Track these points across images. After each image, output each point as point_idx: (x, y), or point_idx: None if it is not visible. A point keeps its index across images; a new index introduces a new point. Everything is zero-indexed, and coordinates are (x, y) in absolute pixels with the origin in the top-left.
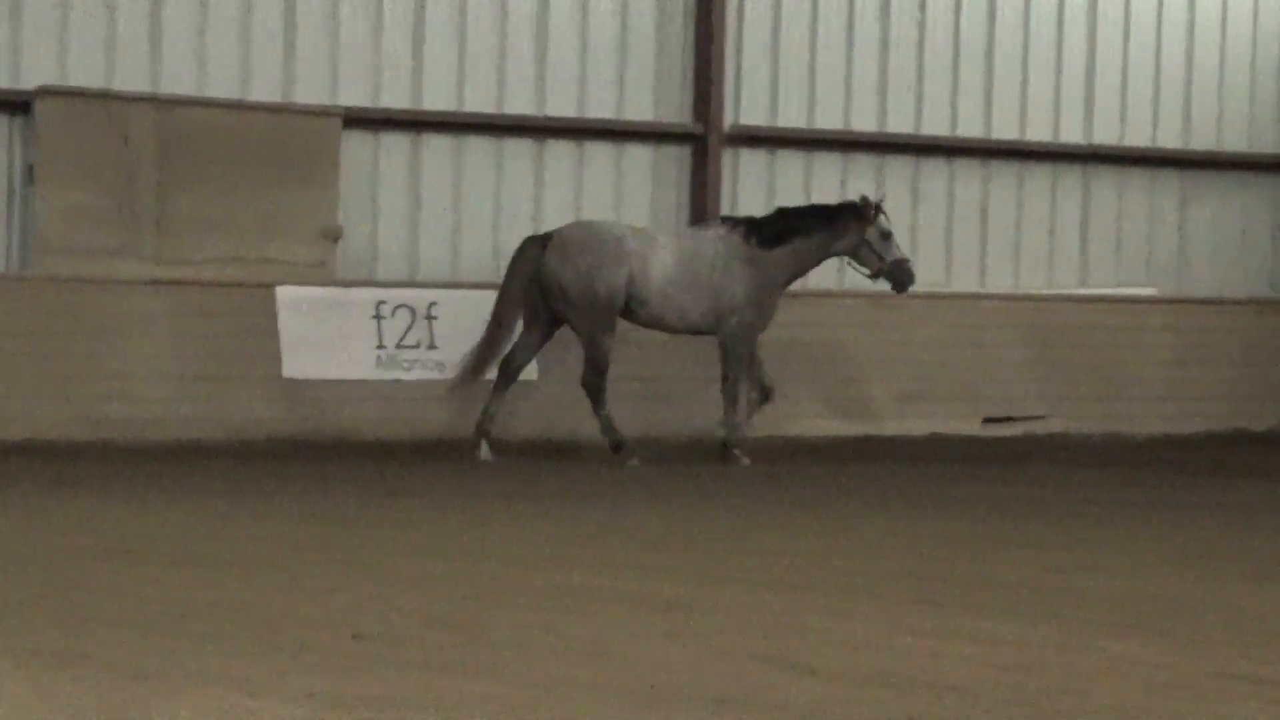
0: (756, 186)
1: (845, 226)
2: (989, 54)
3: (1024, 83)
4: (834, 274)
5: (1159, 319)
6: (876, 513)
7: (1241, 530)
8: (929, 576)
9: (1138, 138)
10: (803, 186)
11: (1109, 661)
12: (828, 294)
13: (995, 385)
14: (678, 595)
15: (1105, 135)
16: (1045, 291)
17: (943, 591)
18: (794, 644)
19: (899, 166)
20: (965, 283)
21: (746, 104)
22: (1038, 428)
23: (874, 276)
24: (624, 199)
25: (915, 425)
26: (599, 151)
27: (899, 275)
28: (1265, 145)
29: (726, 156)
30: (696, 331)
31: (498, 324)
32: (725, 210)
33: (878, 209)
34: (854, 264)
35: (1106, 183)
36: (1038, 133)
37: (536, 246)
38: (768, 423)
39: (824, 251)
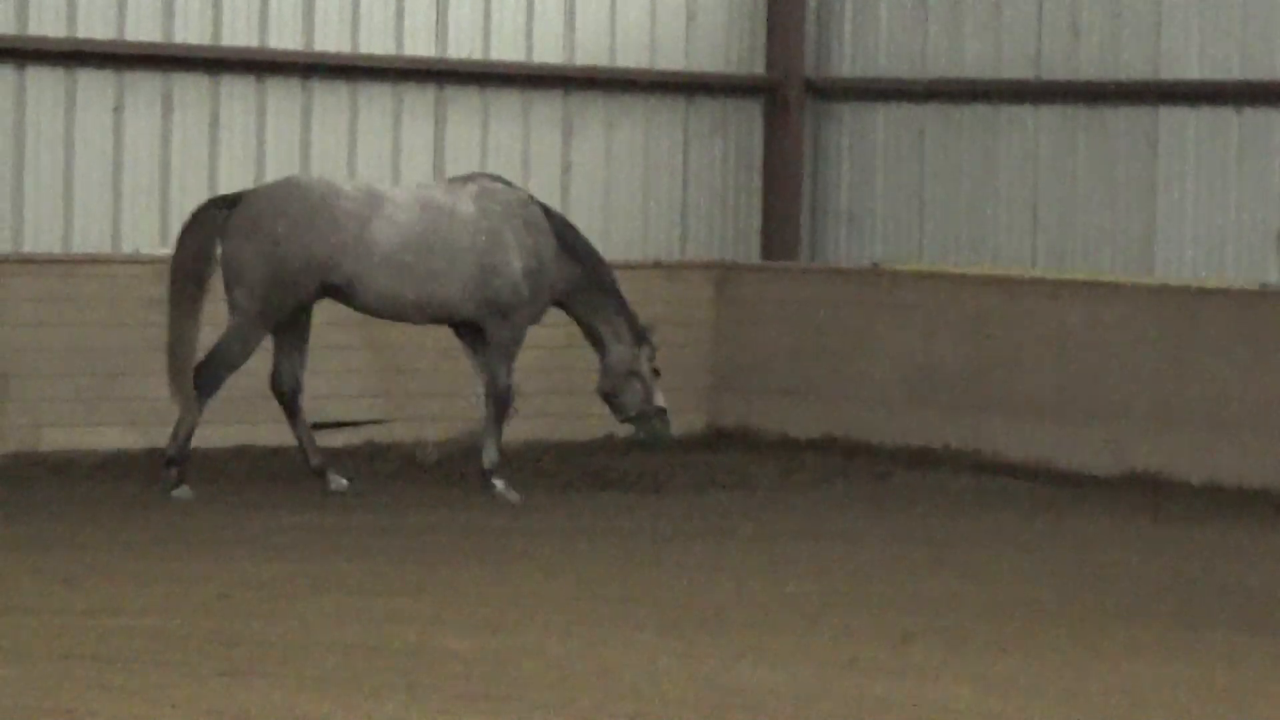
0: None
1: (625, 326)
2: None
3: None
4: None
5: None
6: (152, 548)
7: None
8: (232, 637)
9: (506, 50)
10: None
11: None
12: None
13: (322, 380)
14: None
15: (464, 47)
16: None
17: (257, 658)
18: None
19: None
20: None
21: None
22: (381, 434)
23: (629, 417)
24: None
25: (225, 433)
26: None
27: (659, 428)
28: (670, 60)
29: None
30: (449, 319)
31: (175, 317)
32: None
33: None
34: (608, 387)
35: (466, 106)
36: (378, 44)
37: (217, 211)
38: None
39: (588, 312)
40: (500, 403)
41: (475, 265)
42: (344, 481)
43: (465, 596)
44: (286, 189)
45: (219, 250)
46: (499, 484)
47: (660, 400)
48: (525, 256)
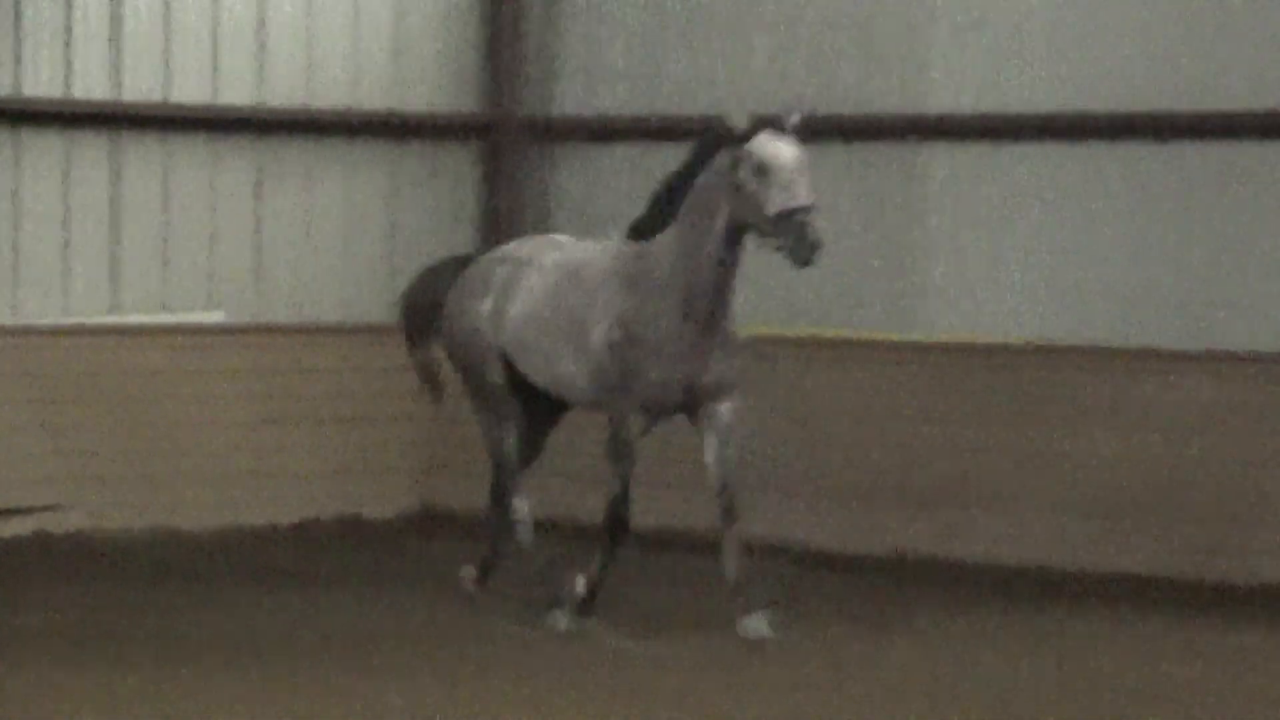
0: None
1: (707, 163)
2: None
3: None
4: None
5: (229, 358)
6: None
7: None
8: None
9: (192, 91)
10: None
11: None
12: None
13: None
14: None
15: (142, 89)
16: (61, 323)
17: None
18: None
19: None
20: None
21: None
22: (53, 523)
23: (770, 244)
24: None
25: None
26: None
27: (791, 235)
28: (379, 99)
29: None
30: (587, 402)
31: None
32: None
33: (763, 124)
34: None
35: (146, 156)
36: (40, 86)
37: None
38: None
39: (706, 221)
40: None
41: (586, 343)
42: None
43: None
44: (474, 259)
45: None
46: (557, 614)
47: (789, 199)
48: (618, 312)
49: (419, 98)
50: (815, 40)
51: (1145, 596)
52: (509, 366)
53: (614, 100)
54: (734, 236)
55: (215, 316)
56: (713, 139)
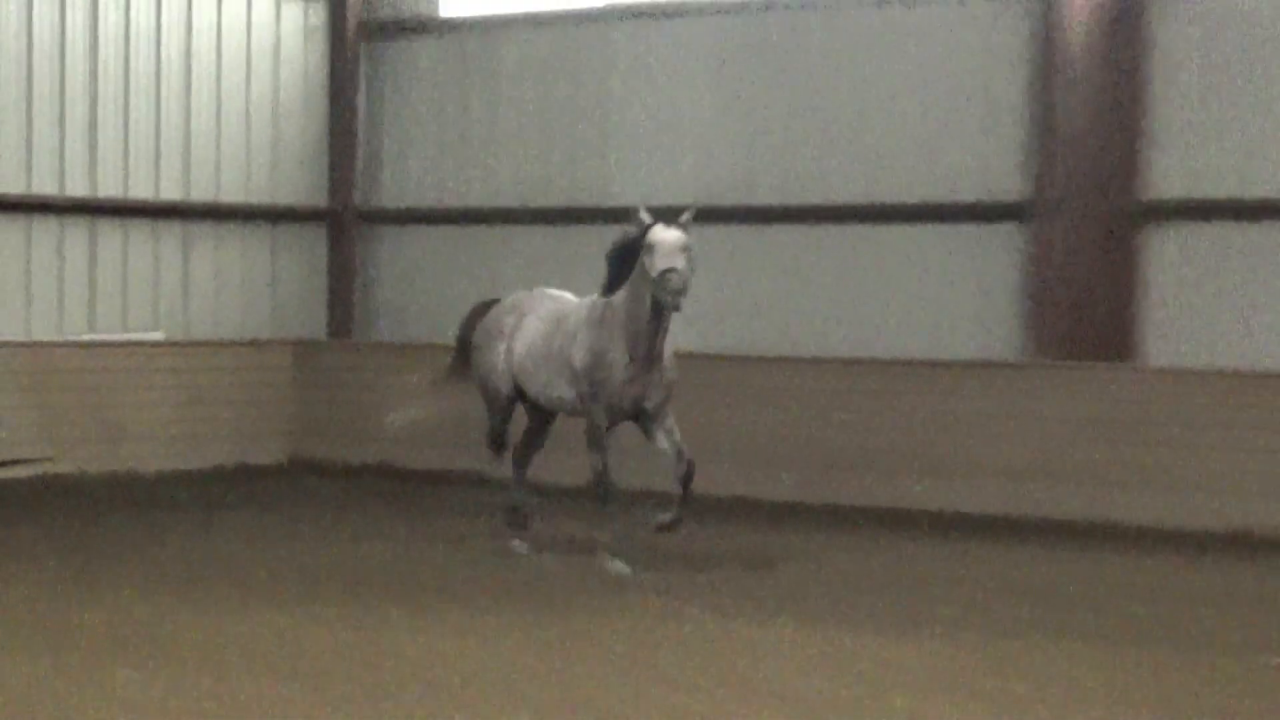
0: None
1: (637, 245)
2: None
3: (28, 132)
4: None
5: (165, 361)
6: None
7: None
8: None
9: (140, 190)
10: None
11: None
12: None
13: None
14: None
15: (110, 188)
16: (56, 339)
17: None
18: None
19: None
20: None
21: None
22: (49, 469)
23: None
24: None
25: None
26: None
27: (662, 287)
28: (261, 195)
29: None
30: (570, 411)
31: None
32: None
33: (661, 219)
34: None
35: (112, 234)
36: (43, 186)
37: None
38: None
39: (640, 292)
40: (599, 486)
41: (569, 368)
42: (524, 547)
43: None
44: (507, 300)
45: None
46: (609, 558)
47: (660, 262)
48: (588, 346)
49: (289, 194)
50: (549, 146)
51: (766, 517)
52: (517, 386)
53: (418, 195)
54: (658, 302)
55: (158, 335)
56: (640, 228)
